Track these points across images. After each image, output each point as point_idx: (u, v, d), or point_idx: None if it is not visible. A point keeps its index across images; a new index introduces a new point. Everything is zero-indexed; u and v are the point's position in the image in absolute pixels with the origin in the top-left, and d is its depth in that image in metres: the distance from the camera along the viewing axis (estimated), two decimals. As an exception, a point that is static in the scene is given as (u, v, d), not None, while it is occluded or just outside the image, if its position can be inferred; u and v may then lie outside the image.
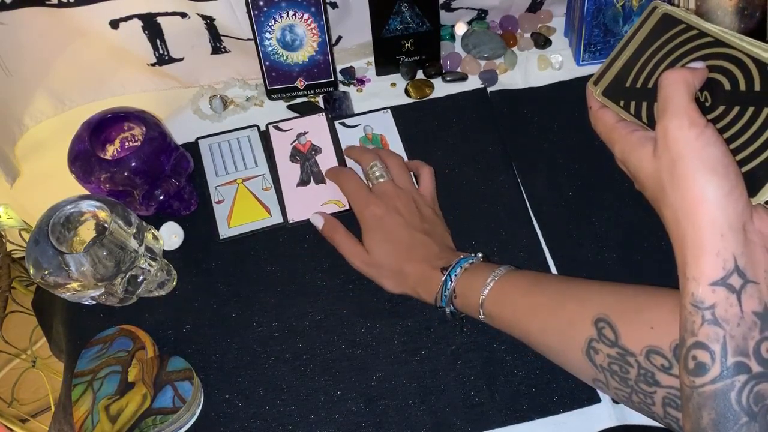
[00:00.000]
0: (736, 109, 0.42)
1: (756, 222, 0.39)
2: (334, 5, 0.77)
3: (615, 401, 0.61)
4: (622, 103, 0.49)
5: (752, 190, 0.40)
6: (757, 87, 0.41)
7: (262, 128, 0.79)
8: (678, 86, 0.41)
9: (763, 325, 0.37)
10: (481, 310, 0.59)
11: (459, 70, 0.83)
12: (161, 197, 0.69)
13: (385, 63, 0.83)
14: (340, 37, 0.83)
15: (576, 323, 0.53)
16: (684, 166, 0.39)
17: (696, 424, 0.37)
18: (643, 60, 0.48)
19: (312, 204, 0.73)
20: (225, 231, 0.72)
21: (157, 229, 0.70)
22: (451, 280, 0.60)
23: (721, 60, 0.43)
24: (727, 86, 0.42)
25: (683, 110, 0.40)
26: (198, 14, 0.73)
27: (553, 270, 0.69)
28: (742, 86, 0.42)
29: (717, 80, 0.43)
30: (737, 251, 0.37)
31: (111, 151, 0.72)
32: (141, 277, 0.64)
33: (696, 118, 0.40)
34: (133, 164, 0.65)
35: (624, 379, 0.50)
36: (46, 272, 0.59)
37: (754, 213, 0.39)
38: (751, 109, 0.41)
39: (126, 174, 0.65)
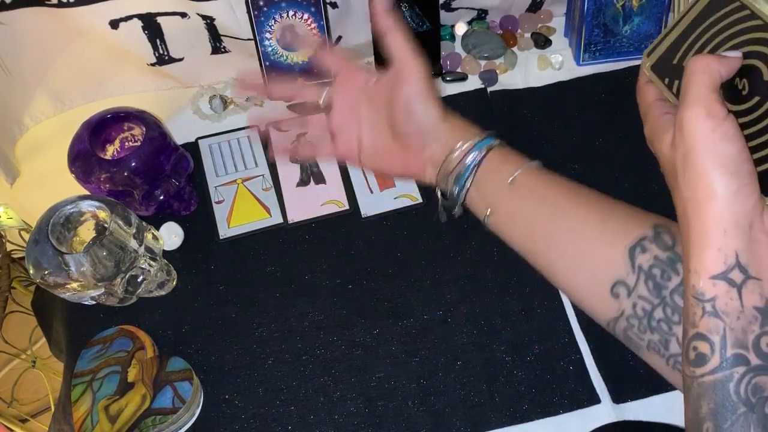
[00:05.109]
0: None
1: (766, 220, 0.39)
2: (334, 5, 0.77)
3: (616, 401, 0.61)
4: (666, 80, 0.46)
5: (767, 190, 0.39)
6: None
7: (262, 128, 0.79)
8: (701, 75, 0.39)
9: (763, 320, 0.37)
10: (496, 197, 0.54)
11: (459, 70, 0.83)
12: (161, 197, 0.69)
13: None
14: (340, 37, 0.83)
15: (633, 220, 0.50)
16: (696, 158, 0.39)
17: (695, 413, 0.38)
18: (693, 37, 0.46)
19: (312, 204, 0.73)
20: (225, 231, 0.72)
21: (157, 229, 0.70)
22: (477, 157, 0.54)
23: (766, 46, 0.41)
24: (766, 76, 0.40)
25: (702, 100, 0.39)
26: (198, 14, 0.73)
27: (553, 270, 0.68)
28: None
29: (758, 68, 0.41)
30: (740, 248, 0.38)
31: (111, 151, 0.72)
32: (141, 277, 0.64)
33: (714, 109, 0.38)
34: (133, 164, 0.65)
35: (660, 286, 0.47)
36: (46, 272, 0.59)
37: (765, 213, 0.39)
38: None
39: (126, 174, 0.65)
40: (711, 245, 0.38)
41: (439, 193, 0.58)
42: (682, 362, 0.40)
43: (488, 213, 0.55)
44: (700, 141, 0.38)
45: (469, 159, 0.55)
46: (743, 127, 0.41)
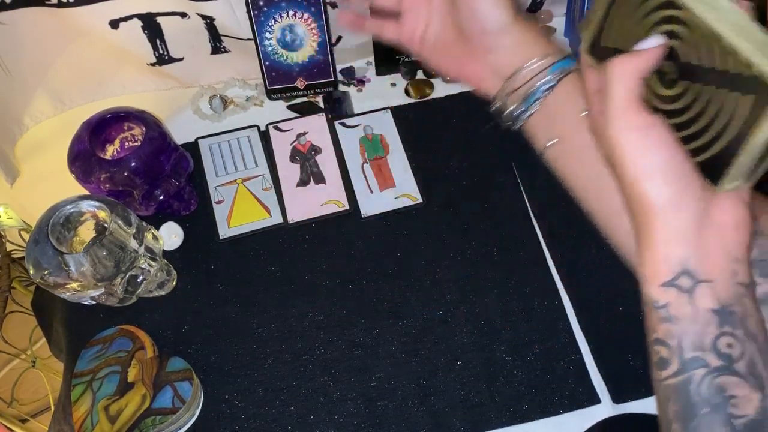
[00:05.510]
0: (697, 86, 0.37)
1: (715, 215, 0.38)
2: (334, 5, 0.77)
3: (616, 401, 0.61)
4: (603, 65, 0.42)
5: (714, 178, 0.37)
6: (712, 63, 0.35)
7: (262, 128, 0.79)
8: (619, 82, 0.37)
9: (720, 321, 0.37)
10: (564, 127, 0.49)
11: (459, 70, 0.83)
12: (161, 197, 0.69)
13: (385, 63, 0.83)
14: (340, 37, 0.83)
15: None
16: (628, 170, 0.38)
17: (664, 414, 0.39)
18: (614, 14, 0.41)
19: (312, 204, 0.73)
20: (225, 231, 0.72)
21: (157, 229, 0.70)
22: (551, 81, 0.48)
23: (678, 25, 0.37)
24: (685, 58, 0.37)
25: (622, 113, 0.37)
26: (198, 14, 0.73)
27: (553, 270, 0.68)
28: (698, 60, 0.36)
29: (675, 49, 0.37)
30: (685, 254, 0.37)
31: (111, 151, 0.72)
32: (141, 277, 0.64)
33: (635, 120, 0.37)
34: (133, 164, 0.65)
35: None
36: (46, 272, 0.59)
37: (714, 204, 0.38)
38: (707, 89, 0.36)
39: (126, 174, 0.65)
40: (656, 254, 0.38)
41: (494, 108, 0.53)
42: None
43: (551, 143, 0.50)
44: (627, 154, 0.37)
45: (541, 81, 0.49)
46: (676, 114, 0.38)
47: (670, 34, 0.38)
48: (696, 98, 0.37)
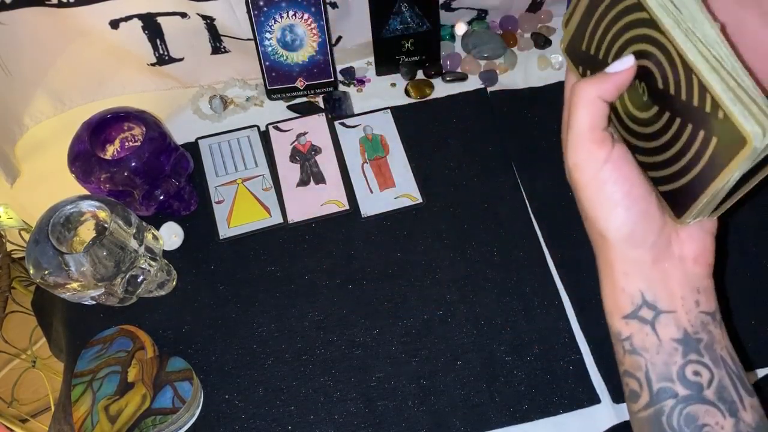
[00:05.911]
0: (667, 115, 0.35)
1: (675, 248, 0.38)
2: (334, 5, 0.77)
3: (616, 401, 0.61)
4: (580, 68, 0.42)
5: (677, 211, 0.36)
6: (684, 96, 0.34)
7: (262, 128, 0.79)
8: (584, 107, 0.36)
9: (685, 349, 0.37)
10: None
11: (459, 70, 0.83)
12: (161, 197, 0.69)
13: (385, 63, 0.83)
14: (340, 37, 0.83)
15: None
16: (586, 201, 0.38)
17: None
18: (594, 21, 0.39)
19: (312, 204, 0.73)
20: (225, 231, 0.72)
21: (157, 229, 0.70)
22: None
23: (655, 47, 0.35)
24: (660, 83, 0.35)
25: (583, 140, 0.37)
26: (198, 14, 0.73)
27: (553, 270, 0.68)
28: (671, 89, 0.35)
29: (652, 72, 0.36)
30: (643, 286, 0.37)
31: (111, 151, 0.72)
32: (141, 277, 0.64)
33: (594, 152, 0.36)
34: (133, 164, 0.65)
35: None
36: (46, 272, 0.59)
37: (675, 237, 0.38)
38: (678, 121, 0.35)
39: (126, 174, 0.65)
40: (616, 287, 0.38)
41: None
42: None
43: None
44: (585, 185, 0.37)
45: None
46: (647, 138, 0.37)
47: (647, 55, 0.36)
48: (667, 127, 0.36)
